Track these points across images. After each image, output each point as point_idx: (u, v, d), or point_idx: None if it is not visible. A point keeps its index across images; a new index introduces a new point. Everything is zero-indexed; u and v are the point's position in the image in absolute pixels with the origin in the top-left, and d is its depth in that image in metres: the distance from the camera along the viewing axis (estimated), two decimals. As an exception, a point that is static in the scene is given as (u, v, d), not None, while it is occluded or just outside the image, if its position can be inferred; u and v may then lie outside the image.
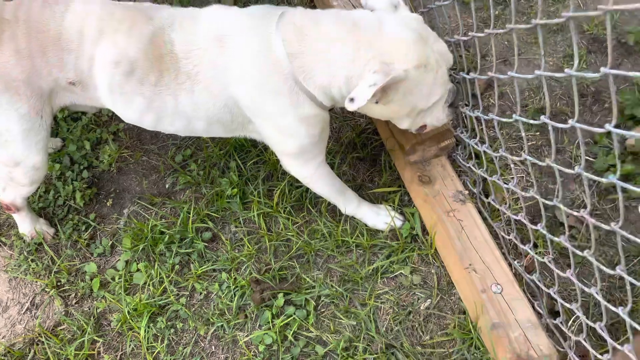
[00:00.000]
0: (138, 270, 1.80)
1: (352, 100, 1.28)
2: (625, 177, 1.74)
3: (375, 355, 1.56)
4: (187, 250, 1.81)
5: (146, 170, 2.07)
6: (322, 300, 1.68)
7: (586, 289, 1.19)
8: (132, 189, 2.03)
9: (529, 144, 1.90)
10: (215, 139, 2.03)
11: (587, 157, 1.84)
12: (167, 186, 2.01)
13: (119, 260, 1.83)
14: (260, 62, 1.41)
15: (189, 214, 1.86)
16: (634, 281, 1.02)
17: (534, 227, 1.36)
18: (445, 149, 1.71)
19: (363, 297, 1.67)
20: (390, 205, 1.80)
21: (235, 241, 1.84)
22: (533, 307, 1.46)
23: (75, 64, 1.46)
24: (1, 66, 1.42)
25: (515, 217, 1.44)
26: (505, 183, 1.49)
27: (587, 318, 1.26)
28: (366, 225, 1.77)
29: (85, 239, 1.88)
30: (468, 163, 1.70)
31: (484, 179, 1.65)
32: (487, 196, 1.67)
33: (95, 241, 1.90)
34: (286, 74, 1.39)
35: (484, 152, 1.56)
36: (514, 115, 1.28)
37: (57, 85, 1.50)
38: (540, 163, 1.26)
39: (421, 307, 1.64)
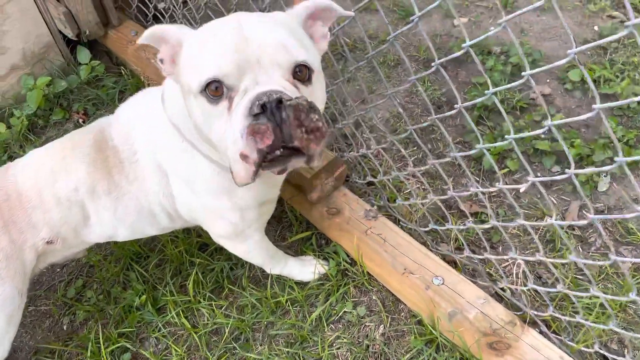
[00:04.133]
0: None
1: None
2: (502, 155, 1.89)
3: (350, 404, 1.40)
4: (107, 381, 1.55)
5: (36, 319, 1.80)
6: (275, 372, 1.51)
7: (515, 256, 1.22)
8: (25, 346, 1.74)
9: (412, 156, 2.01)
10: (109, 256, 1.86)
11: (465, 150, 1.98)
12: (65, 327, 1.75)
13: None
14: (164, 124, 1.26)
15: (98, 342, 1.62)
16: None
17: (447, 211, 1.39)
18: (341, 178, 1.74)
19: (316, 352, 1.53)
20: (311, 254, 1.74)
21: (160, 351, 1.62)
22: (476, 284, 1.45)
23: (44, 218, 1.31)
24: None
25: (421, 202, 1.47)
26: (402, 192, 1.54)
27: (528, 281, 1.27)
28: (295, 281, 1.68)
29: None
30: (364, 180, 1.74)
31: (384, 185, 1.69)
32: (394, 201, 1.71)
33: (-9, 419, 1.56)
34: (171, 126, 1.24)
35: (369, 158, 1.61)
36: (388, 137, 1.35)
37: (36, 251, 1.34)
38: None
39: (376, 336, 1.53)
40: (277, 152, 0.88)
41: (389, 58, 2.42)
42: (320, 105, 1.05)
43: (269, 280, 1.69)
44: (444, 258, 1.57)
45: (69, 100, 2.43)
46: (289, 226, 1.88)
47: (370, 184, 1.81)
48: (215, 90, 0.94)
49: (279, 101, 0.87)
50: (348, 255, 1.69)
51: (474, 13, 2.57)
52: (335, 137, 1.96)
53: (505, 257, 1.31)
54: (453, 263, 1.60)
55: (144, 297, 1.70)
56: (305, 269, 1.68)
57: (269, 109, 0.87)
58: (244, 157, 0.90)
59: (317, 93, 1.03)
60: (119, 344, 1.62)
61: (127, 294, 1.74)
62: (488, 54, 2.30)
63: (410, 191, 1.81)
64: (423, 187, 1.89)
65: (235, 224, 1.36)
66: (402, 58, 2.37)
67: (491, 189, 1.22)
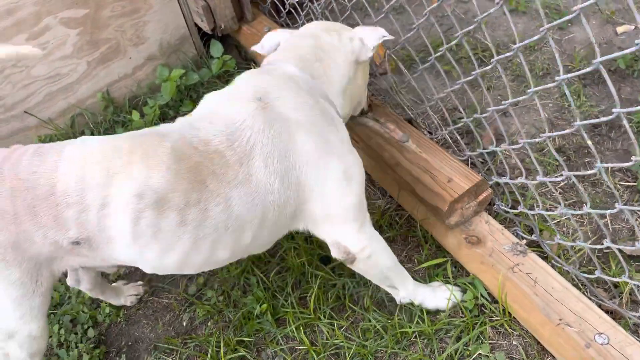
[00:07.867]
0: None
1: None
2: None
3: None
4: (224, 390, 1.52)
5: (158, 311, 1.82)
6: (399, 410, 1.40)
7: None
8: (146, 337, 1.77)
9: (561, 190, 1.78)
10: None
11: (629, 183, 1.72)
12: (184, 324, 1.76)
13: (145, 423, 1.52)
14: (301, 95, 1.33)
15: (218, 347, 1.60)
16: None
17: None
18: (484, 203, 1.56)
19: (445, 395, 1.40)
20: (441, 280, 1.60)
21: (277, 366, 1.57)
22: (652, 350, 1.22)
23: (77, 218, 1.20)
24: None
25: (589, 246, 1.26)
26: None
27: None
28: (422, 310, 1.54)
29: (101, 408, 1.58)
30: (516, 209, 1.55)
31: (543, 219, 1.49)
32: (548, 236, 1.50)
33: (114, 407, 1.60)
34: (320, 95, 1.38)
35: (525, 188, 1.42)
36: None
37: (58, 248, 1.24)
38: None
39: (517, 388, 1.37)
40: None
41: (537, 67, 2.18)
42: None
43: (395, 306, 1.57)
44: (599, 306, 1.35)
45: (199, 92, 2.46)
46: (415, 247, 1.74)
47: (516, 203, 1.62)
48: None
49: None
50: (486, 291, 1.52)
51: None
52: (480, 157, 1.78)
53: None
54: (610, 313, 1.38)
55: (264, 305, 1.65)
56: (438, 294, 1.54)
57: None
58: None
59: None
60: (237, 353, 1.59)
61: (247, 299, 1.70)
62: (660, 69, 1.99)
63: (571, 230, 1.59)
64: (586, 226, 1.67)
65: (358, 183, 1.34)
66: (553, 67, 2.13)
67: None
